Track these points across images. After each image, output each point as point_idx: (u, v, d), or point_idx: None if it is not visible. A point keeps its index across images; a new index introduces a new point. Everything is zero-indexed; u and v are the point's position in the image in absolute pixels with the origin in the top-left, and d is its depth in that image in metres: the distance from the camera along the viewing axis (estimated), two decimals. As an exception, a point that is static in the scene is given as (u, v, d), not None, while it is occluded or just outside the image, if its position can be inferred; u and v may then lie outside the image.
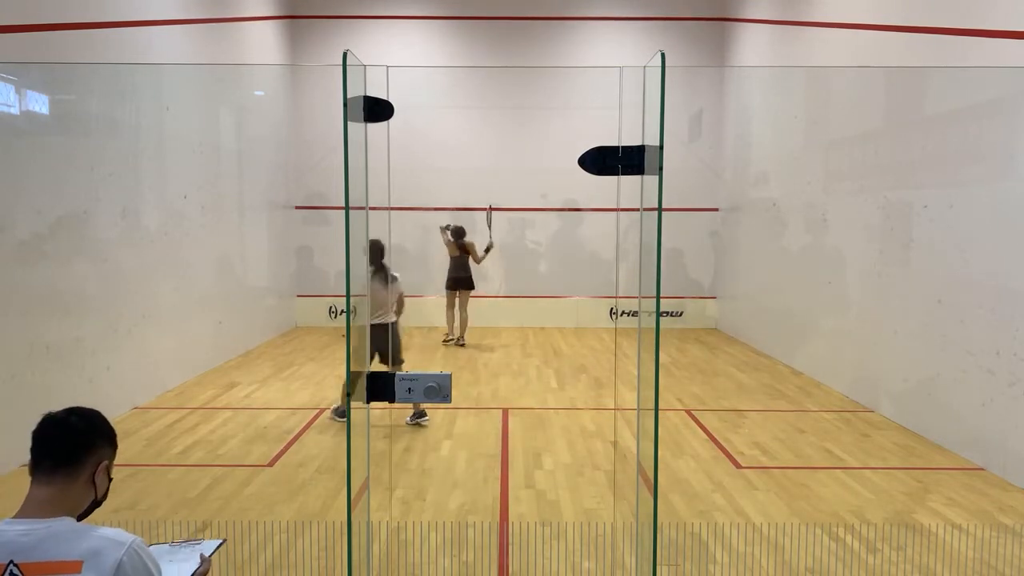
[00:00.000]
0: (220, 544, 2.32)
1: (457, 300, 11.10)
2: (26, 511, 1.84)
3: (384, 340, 6.20)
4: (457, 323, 11.02)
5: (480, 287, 12.20)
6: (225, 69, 9.94)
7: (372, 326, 6.12)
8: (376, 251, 6.37)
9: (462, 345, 10.78)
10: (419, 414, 6.63)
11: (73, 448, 1.90)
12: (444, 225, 11.31)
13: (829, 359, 8.35)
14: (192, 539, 2.31)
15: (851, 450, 5.99)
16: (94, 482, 1.94)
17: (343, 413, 6.45)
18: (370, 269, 6.28)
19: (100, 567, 1.75)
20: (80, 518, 1.91)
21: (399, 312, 6.63)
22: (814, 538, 4.30)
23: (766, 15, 10.60)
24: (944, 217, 6.13)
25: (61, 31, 6.19)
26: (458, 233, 11.16)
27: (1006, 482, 5.27)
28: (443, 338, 11.09)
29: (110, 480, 2.00)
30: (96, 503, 1.97)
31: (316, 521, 4.50)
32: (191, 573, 2.10)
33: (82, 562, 1.75)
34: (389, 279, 6.40)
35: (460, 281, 11.07)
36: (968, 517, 4.65)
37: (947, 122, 6.26)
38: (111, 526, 1.89)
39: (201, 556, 2.17)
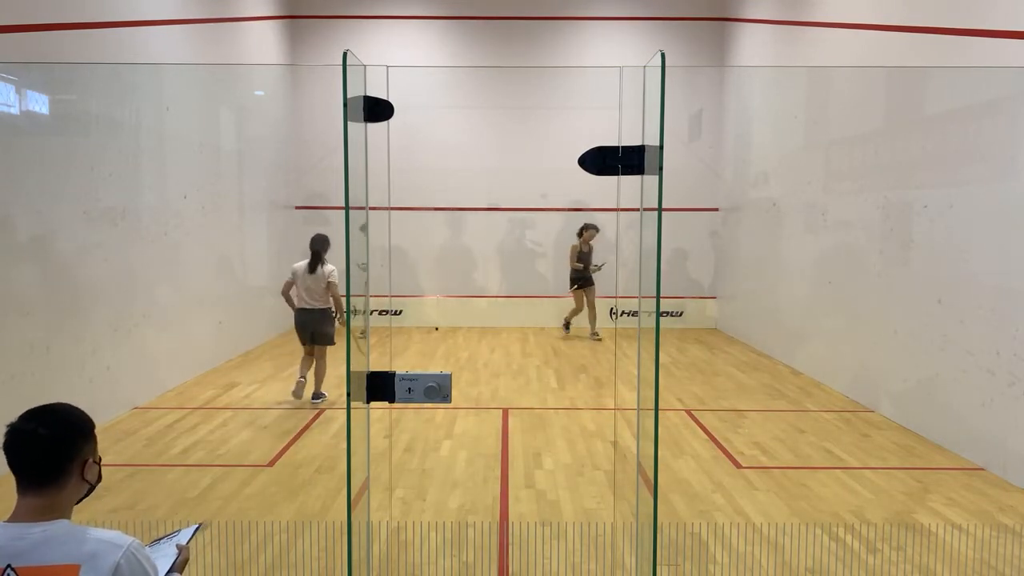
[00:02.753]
0: (196, 529, 2.29)
1: (585, 297, 11.44)
2: (19, 516, 1.81)
3: (318, 324, 7.34)
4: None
5: (481, 287, 12.20)
6: (225, 69, 9.94)
7: (315, 310, 7.37)
8: (322, 244, 7.41)
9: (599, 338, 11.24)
10: (319, 395, 7.37)
11: (53, 463, 1.83)
12: (589, 224, 11.34)
13: (829, 359, 8.35)
14: (169, 533, 2.28)
15: (851, 450, 5.99)
16: (84, 478, 1.90)
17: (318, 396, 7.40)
18: (310, 263, 7.39)
19: (98, 570, 1.74)
20: (78, 501, 1.90)
21: (334, 303, 7.47)
22: (814, 538, 4.30)
23: (766, 15, 10.60)
24: (944, 217, 6.13)
25: (60, 31, 6.19)
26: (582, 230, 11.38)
27: (1006, 482, 5.27)
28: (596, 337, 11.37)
29: (99, 464, 1.95)
30: (92, 488, 1.94)
31: (316, 521, 4.50)
32: (169, 566, 2.07)
33: (79, 566, 1.74)
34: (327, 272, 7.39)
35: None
36: (968, 517, 4.65)
37: (947, 122, 6.26)
38: (109, 527, 1.88)
39: (177, 546, 2.14)
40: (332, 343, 7.46)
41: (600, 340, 11.14)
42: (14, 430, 1.84)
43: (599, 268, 11.33)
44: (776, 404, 7.51)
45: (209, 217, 8.99)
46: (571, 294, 11.48)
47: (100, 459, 1.97)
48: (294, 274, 7.42)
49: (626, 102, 2.92)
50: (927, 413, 6.36)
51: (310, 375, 7.46)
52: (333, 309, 7.44)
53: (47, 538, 1.76)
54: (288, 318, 12.13)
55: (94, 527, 1.85)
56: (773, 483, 5.23)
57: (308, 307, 7.36)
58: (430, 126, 12.18)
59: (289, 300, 7.50)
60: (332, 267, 7.38)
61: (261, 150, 11.20)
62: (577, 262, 11.20)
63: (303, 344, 7.49)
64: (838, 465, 5.63)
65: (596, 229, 11.25)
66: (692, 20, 12.46)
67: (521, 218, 12.57)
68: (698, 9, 12.43)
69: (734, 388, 8.24)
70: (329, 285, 7.33)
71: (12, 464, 1.83)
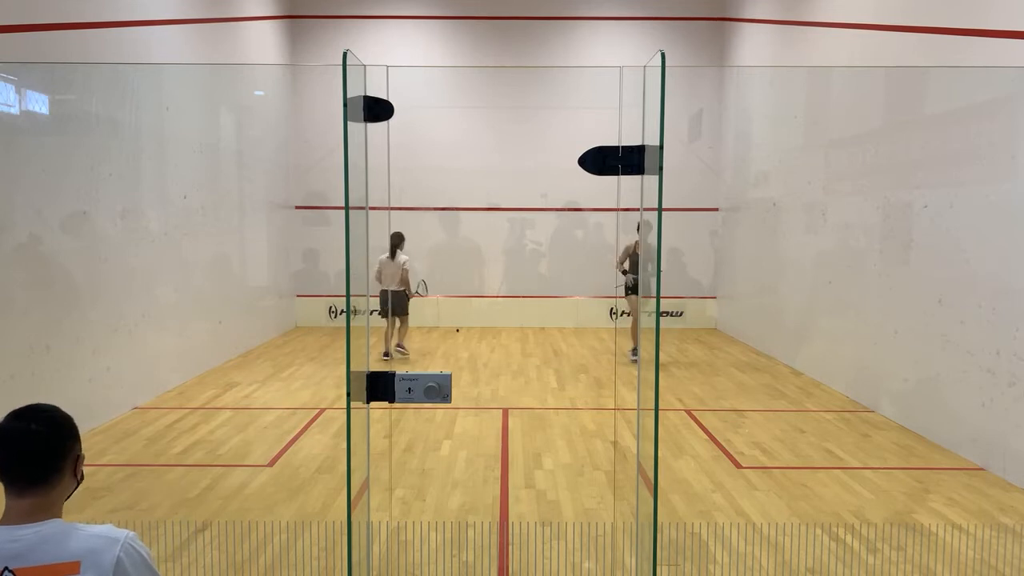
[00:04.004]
0: None
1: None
2: (10, 519, 1.79)
3: (396, 300, 9.65)
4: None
5: (480, 287, 12.19)
6: (225, 69, 9.94)
7: (394, 291, 9.64)
8: (398, 239, 9.72)
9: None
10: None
11: (51, 460, 1.83)
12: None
13: (829, 359, 8.35)
14: None
15: (851, 450, 5.99)
16: (74, 474, 1.90)
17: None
18: (390, 254, 9.66)
19: (99, 565, 1.74)
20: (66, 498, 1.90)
21: (404, 283, 9.72)
22: (814, 538, 4.30)
23: (766, 15, 10.60)
24: (944, 217, 6.13)
25: (61, 31, 6.19)
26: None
27: (1006, 482, 5.27)
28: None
29: (83, 460, 1.95)
30: (76, 485, 1.94)
31: (316, 521, 4.50)
32: None
33: (80, 562, 1.74)
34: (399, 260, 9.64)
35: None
36: (968, 517, 4.65)
37: (947, 122, 6.26)
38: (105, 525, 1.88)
39: None
40: (406, 313, 9.84)
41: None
42: (5, 430, 1.81)
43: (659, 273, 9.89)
44: (776, 404, 7.51)
45: (209, 217, 8.99)
46: (627, 300, 9.64)
47: (83, 454, 1.96)
48: (380, 263, 9.61)
49: (626, 102, 2.92)
50: (927, 413, 6.36)
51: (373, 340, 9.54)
52: (406, 289, 9.70)
53: (42, 538, 1.76)
54: (288, 317, 12.20)
55: (85, 524, 1.84)
56: (773, 483, 5.22)
57: (387, 289, 9.58)
58: (430, 126, 12.18)
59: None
60: (406, 257, 9.66)
61: (261, 150, 11.20)
62: (625, 267, 9.36)
63: (383, 317, 9.75)
64: (838, 465, 5.63)
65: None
66: (692, 20, 12.47)
67: (521, 218, 12.58)
68: (698, 9, 12.43)
69: (734, 388, 8.24)
70: (403, 271, 9.59)
71: (5, 465, 1.80)
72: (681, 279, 12.55)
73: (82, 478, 1.96)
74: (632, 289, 9.39)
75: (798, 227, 9.27)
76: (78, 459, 1.90)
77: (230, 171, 10.02)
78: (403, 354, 9.80)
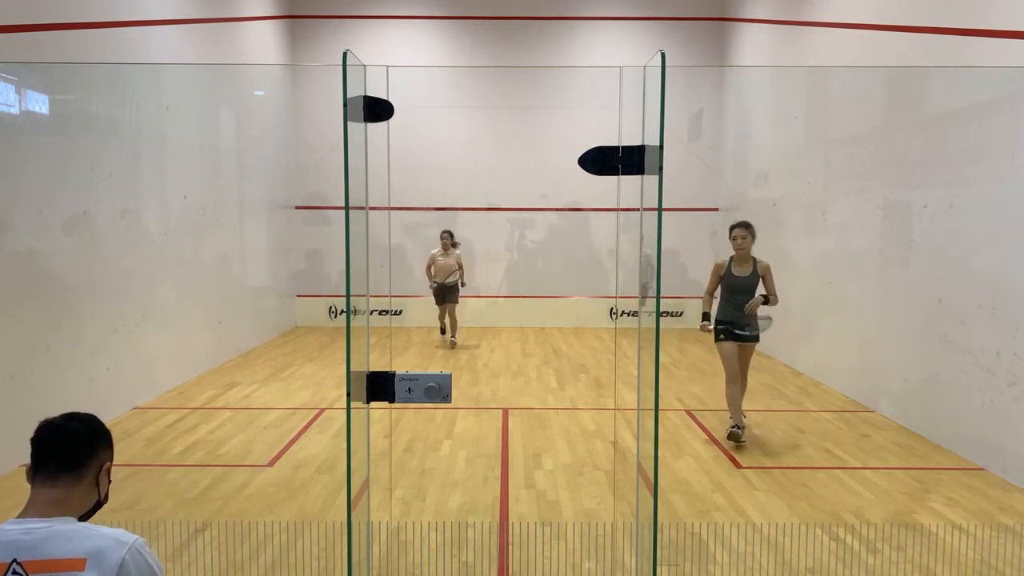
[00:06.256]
0: None
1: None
2: (29, 512, 1.85)
3: (452, 291, 10.59)
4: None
5: (481, 287, 12.17)
6: (225, 69, 9.94)
7: (447, 284, 10.55)
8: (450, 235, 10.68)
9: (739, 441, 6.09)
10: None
11: (77, 453, 1.92)
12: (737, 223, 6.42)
13: (829, 359, 8.35)
14: None
15: (851, 450, 5.99)
16: (97, 483, 1.96)
17: None
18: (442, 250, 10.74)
19: (103, 565, 1.76)
20: (84, 518, 1.93)
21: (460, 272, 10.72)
22: (814, 538, 4.30)
23: (766, 15, 10.60)
24: (944, 217, 6.13)
25: (61, 31, 6.19)
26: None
27: (1006, 482, 5.27)
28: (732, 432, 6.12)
29: (109, 481, 2.03)
30: (99, 504, 2.00)
31: (316, 521, 4.50)
32: None
33: (85, 560, 1.76)
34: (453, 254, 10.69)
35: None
36: (968, 517, 4.65)
37: (947, 122, 6.26)
38: (111, 527, 1.90)
39: None
40: (457, 302, 10.66)
41: (742, 442, 6.02)
42: (49, 422, 1.94)
43: (765, 317, 6.30)
44: (776, 404, 7.51)
45: (209, 217, 8.99)
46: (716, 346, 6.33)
47: (111, 479, 2.04)
48: (432, 257, 10.63)
49: (626, 102, 2.92)
50: (927, 413, 6.36)
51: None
52: (459, 280, 10.60)
53: (53, 533, 1.79)
54: (289, 317, 12.32)
55: (98, 525, 1.87)
56: (773, 483, 5.22)
57: (441, 282, 10.54)
58: (430, 126, 12.18)
59: (429, 274, 10.61)
60: (458, 252, 10.72)
61: (261, 150, 11.20)
62: (708, 293, 6.31)
63: (438, 305, 10.71)
64: (838, 465, 5.63)
65: (745, 229, 6.30)
66: (692, 20, 12.47)
67: (521, 218, 12.58)
68: (698, 9, 12.43)
69: (734, 388, 8.23)
70: (458, 263, 10.61)
71: (38, 456, 1.90)
72: (681, 279, 12.54)
73: (106, 499, 2.01)
74: (727, 332, 6.12)
75: (798, 227, 9.27)
76: (102, 467, 1.98)
77: (230, 171, 10.02)
78: (455, 340, 10.86)
